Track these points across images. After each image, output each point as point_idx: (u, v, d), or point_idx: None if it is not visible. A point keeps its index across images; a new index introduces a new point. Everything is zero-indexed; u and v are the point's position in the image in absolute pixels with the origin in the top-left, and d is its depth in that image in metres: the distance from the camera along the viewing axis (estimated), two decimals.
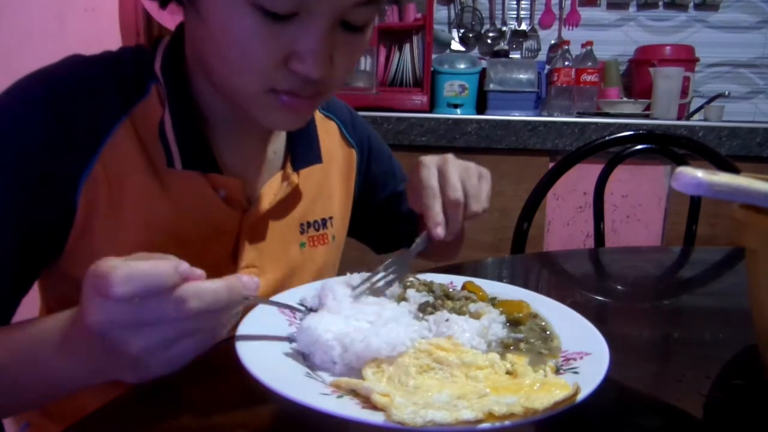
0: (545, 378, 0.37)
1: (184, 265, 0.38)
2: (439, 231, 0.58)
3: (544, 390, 0.34)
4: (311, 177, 0.72)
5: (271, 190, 0.67)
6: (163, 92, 0.59)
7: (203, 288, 0.38)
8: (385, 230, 0.92)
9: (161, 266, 0.37)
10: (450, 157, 0.63)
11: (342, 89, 1.86)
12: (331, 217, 0.76)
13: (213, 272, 0.60)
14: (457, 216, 0.60)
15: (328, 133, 0.78)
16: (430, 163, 0.61)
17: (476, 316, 0.48)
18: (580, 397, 0.34)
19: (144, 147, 0.58)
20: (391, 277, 0.55)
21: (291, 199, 0.70)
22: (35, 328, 0.47)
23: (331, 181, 0.77)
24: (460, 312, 0.49)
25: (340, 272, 0.66)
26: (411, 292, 0.52)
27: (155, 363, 0.39)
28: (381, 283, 0.54)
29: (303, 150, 0.70)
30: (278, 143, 0.70)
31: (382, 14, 0.56)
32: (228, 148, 0.64)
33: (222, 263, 0.64)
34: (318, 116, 0.77)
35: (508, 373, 0.39)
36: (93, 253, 0.54)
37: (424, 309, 0.49)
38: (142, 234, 0.58)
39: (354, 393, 0.36)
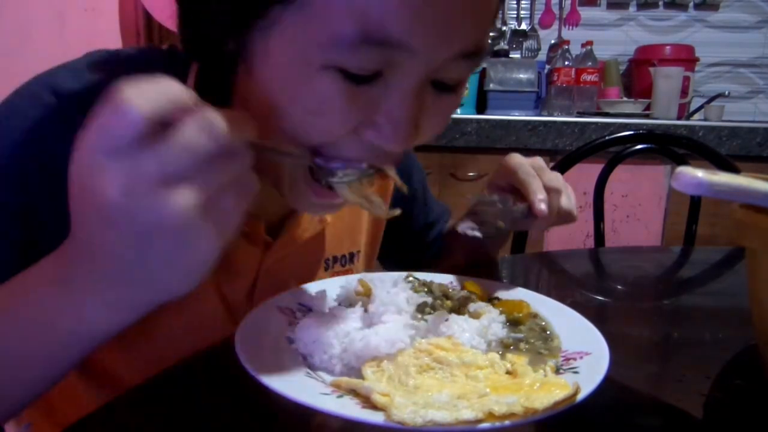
0: (545, 378, 0.37)
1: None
2: (543, 206, 0.56)
3: (544, 390, 0.34)
4: (342, 212, 0.61)
5: (299, 227, 0.61)
6: None
7: (216, 114, 0.31)
8: (403, 254, 0.88)
9: (170, 82, 0.30)
10: (541, 159, 0.64)
11: None
12: (358, 251, 0.72)
13: (228, 314, 0.59)
14: (555, 204, 0.59)
15: (384, 188, 0.73)
16: (519, 155, 0.63)
17: (476, 315, 0.48)
18: (580, 396, 0.34)
19: None
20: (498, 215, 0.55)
21: (320, 236, 0.65)
22: (12, 288, 0.39)
23: (362, 214, 0.72)
24: (459, 312, 0.49)
25: None
26: (410, 293, 0.52)
27: (205, 231, 0.31)
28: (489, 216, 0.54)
29: None
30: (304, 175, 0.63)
31: (477, 68, 0.50)
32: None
33: (238, 303, 0.59)
34: None
35: (507, 372, 0.39)
36: None
37: (422, 309, 0.48)
38: None
39: (354, 393, 0.36)
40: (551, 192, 0.60)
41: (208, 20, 0.44)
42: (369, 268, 0.77)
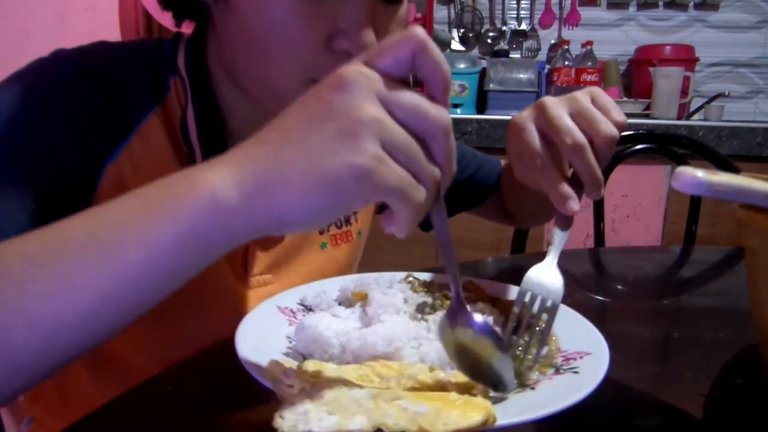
0: (472, 398, 0.34)
1: None
2: (571, 205, 0.48)
3: (461, 408, 0.31)
4: None
5: None
6: (182, 89, 0.57)
7: (452, 134, 0.36)
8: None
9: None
10: (545, 100, 0.52)
11: None
12: (354, 213, 0.71)
13: (223, 281, 0.60)
14: (588, 161, 0.48)
15: None
16: (525, 120, 0.51)
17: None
18: (581, 396, 0.34)
19: (168, 140, 0.56)
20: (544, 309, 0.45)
21: None
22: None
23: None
24: None
25: (358, 272, 0.65)
26: (409, 293, 0.52)
27: (377, 152, 0.31)
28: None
29: None
30: None
31: None
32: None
33: (234, 269, 0.61)
34: None
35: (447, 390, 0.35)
36: None
37: (422, 310, 0.48)
38: None
39: None
40: (574, 155, 0.49)
41: None
42: (366, 229, 0.76)
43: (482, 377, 0.36)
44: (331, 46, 0.48)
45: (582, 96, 0.53)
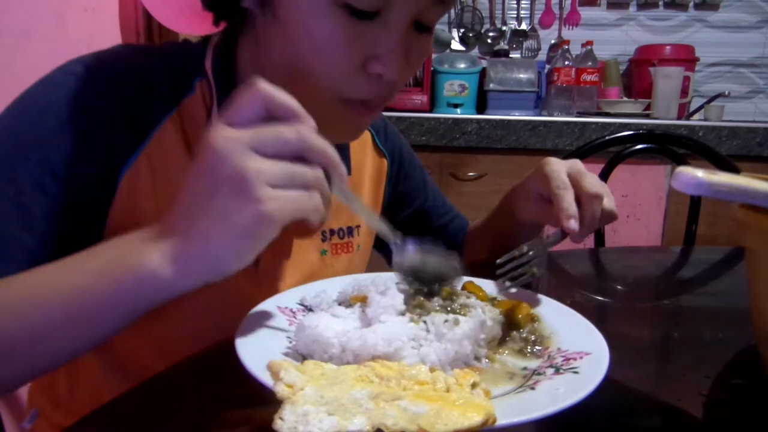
0: (473, 397, 0.34)
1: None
2: (573, 224, 0.57)
3: (461, 408, 0.32)
4: None
5: None
6: (208, 91, 0.59)
7: (317, 136, 0.41)
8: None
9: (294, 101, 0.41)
10: (579, 162, 0.64)
11: None
12: (357, 226, 0.74)
13: (237, 275, 0.61)
14: (595, 210, 0.59)
15: (361, 142, 0.76)
16: (556, 161, 0.63)
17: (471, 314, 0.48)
18: (581, 396, 0.34)
19: (189, 144, 0.58)
20: (532, 263, 0.56)
21: None
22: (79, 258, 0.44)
23: (359, 191, 0.75)
24: (453, 311, 0.48)
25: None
26: (408, 293, 0.52)
27: (268, 194, 0.38)
28: (522, 268, 0.56)
29: None
30: None
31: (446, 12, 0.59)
32: None
33: (245, 266, 0.62)
34: None
35: (447, 391, 0.36)
36: None
37: (419, 303, 0.48)
38: None
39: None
40: (590, 199, 0.59)
41: None
42: (370, 244, 0.79)
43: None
44: (365, 68, 0.52)
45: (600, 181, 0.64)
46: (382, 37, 0.51)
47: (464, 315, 0.47)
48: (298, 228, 0.41)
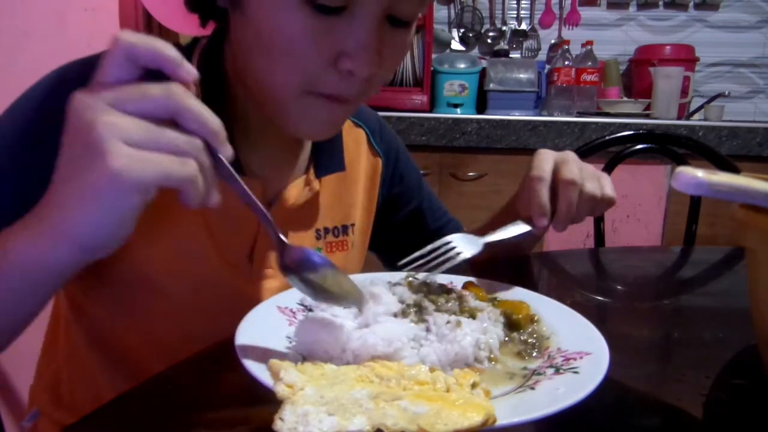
0: (473, 397, 0.34)
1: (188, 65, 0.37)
2: (541, 221, 0.59)
3: (461, 408, 0.32)
4: (333, 184, 0.71)
5: (291, 195, 0.66)
6: (195, 91, 0.58)
7: (193, 98, 0.37)
8: (403, 246, 0.88)
9: (167, 44, 0.37)
10: (570, 153, 0.65)
11: None
12: (352, 224, 0.74)
13: (232, 272, 0.62)
14: (570, 197, 0.60)
15: (356, 140, 0.77)
16: (545, 152, 0.64)
17: (474, 315, 0.48)
18: (581, 396, 0.34)
19: None
20: (453, 253, 0.54)
21: (311, 205, 0.69)
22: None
23: (354, 189, 0.75)
24: (459, 312, 0.48)
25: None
26: (408, 294, 0.51)
27: (121, 150, 0.34)
28: (440, 259, 0.54)
29: (326, 157, 0.69)
30: (303, 150, 0.69)
31: (425, 8, 0.56)
32: (253, 152, 0.63)
33: (240, 263, 0.63)
34: (347, 123, 0.75)
35: (447, 391, 0.36)
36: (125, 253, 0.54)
37: (419, 310, 0.48)
38: (174, 226, 0.58)
39: None
40: (565, 186, 0.60)
41: None
42: (365, 242, 0.79)
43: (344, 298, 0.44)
44: (336, 64, 0.50)
45: (592, 169, 0.66)
46: (351, 32, 0.49)
47: (471, 317, 0.47)
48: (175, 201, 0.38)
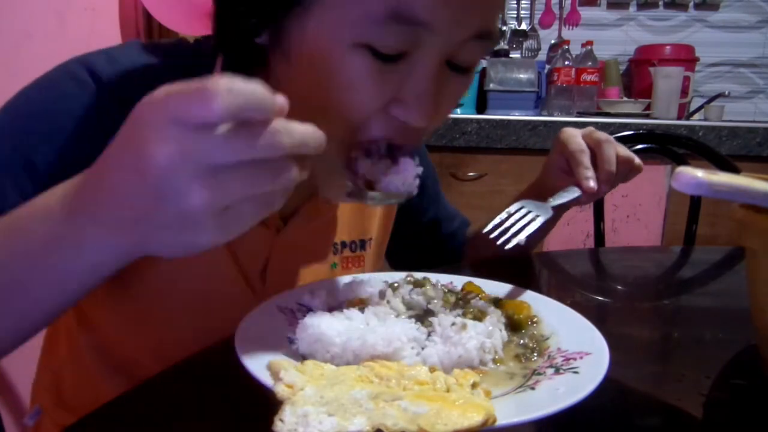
0: (473, 397, 0.34)
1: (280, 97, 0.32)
2: (590, 183, 0.61)
3: (461, 409, 0.32)
4: None
5: (309, 212, 0.64)
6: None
7: (291, 124, 0.32)
8: (415, 253, 0.88)
9: (262, 88, 0.31)
10: (591, 127, 0.69)
11: None
12: (370, 239, 0.72)
13: (242, 290, 0.61)
14: (609, 155, 0.64)
15: None
16: (570, 129, 0.69)
17: (479, 316, 0.48)
18: (581, 396, 0.34)
19: None
20: (531, 217, 0.56)
21: (330, 219, 0.67)
22: (20, 212, 0.39)
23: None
24: (462, 313, 0.48)
25: None
26: (408, 294, 0.51)
27: (210, 229, 0.32)
28: (520, 224, 0.56)
29: None
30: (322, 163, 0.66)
31: (489, 52, 0.53)
32: None
33: (252, 281, 0.62)
34: None
35: (447, 391, 0.36)
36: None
37: (423, 315, 0.48)
38: None
39: None
40: (601, 144, 0.64)
41: (245, 13, 0.48)
42: (380, 256, 0.77)
43: None
44: (387, 110, 0.47)
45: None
46: (409, 80, 0.46)
47: (475, 319, 0.47)
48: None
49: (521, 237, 0.55)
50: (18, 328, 0.42)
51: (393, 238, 0.79)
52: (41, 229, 0.38)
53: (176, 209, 0.32)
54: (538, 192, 0.75)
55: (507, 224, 0.57)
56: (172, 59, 0.56)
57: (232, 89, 0.30)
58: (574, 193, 0.64)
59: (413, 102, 0.46)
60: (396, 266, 0.89)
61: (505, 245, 0.55)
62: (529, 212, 0.57)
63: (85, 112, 0.50)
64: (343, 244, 0.69)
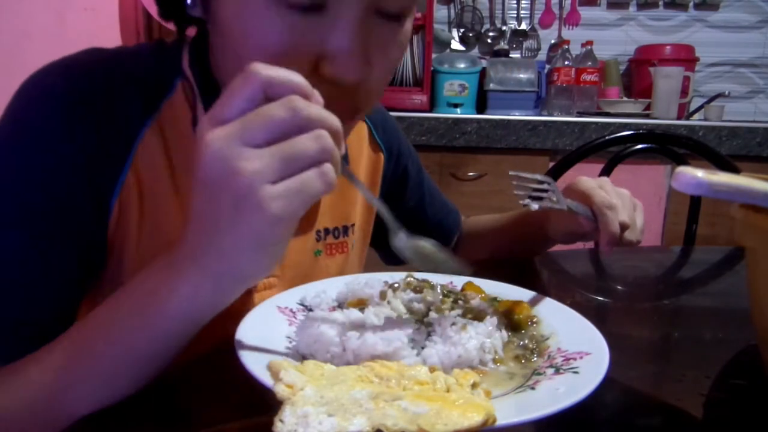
0: (473, 397, 0.34)
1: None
2: (609, 249, 0.63)
3: (461, 409, 0.32)
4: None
5: None
6: (189, 90, 0.55)
7: (313, 105, 0.36)
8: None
9: (299, 75, 0.37)
10: (607, 179, 0.69)
11: None
12: (352, 225, 0.72)
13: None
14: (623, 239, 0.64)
15: (357, 134, 0.73)
16: (587, 179, 0.67)
17: (478, 317, 0.48)
18: (581, 396, 0.34)
19: (168, 147, 0.54)
20: (549, 196, 0.58)
21: (311, 208, 0.64)
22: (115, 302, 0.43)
23: (354, 187, 0.74)
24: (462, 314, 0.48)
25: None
26: (409, 294, 0.51)
27: (272, 193, 0.34)
28: (541, 194, 0.58)
29: None
30: None
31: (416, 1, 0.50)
32: None
33: None
34: None
35: (447, 391, 0.36)
36: (120, 258, 0.53)
37: (422, 313, 0.48)
38: (168, 240, 0.55)
39: None
40: (623, 228, 0.65)
41: None
42: (365, 243, 0.77)
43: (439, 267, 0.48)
44: (318, 71, 0.45)
45: (629, 200, 0.72)
46: (331, 32, 0.43)
47: (475, 319, 0.47)
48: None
49: (534, 206, 0.58)
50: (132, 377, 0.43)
51: (378, 226, 0.78)
52: (142, 293, 0.42)
53: (230, 187, 0.35)
54: (541, 221, 0.76)
55: (532, 185, 0.60)
56: (133, 64, 0.54)
57: (269, 68, 0.36)
58: (587, 211, 0.65)
59: (340, 56, 0.44)
60: (384, 256, 0.88)
61: (520, 200, 0.59)
62: (552, 192, 0.59)
63: (66, 133, 0.49)
64: (326, 231, 0.68)
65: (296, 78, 0.36)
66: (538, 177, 0.60)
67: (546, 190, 0.59)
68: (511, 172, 0.60)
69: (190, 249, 0.39)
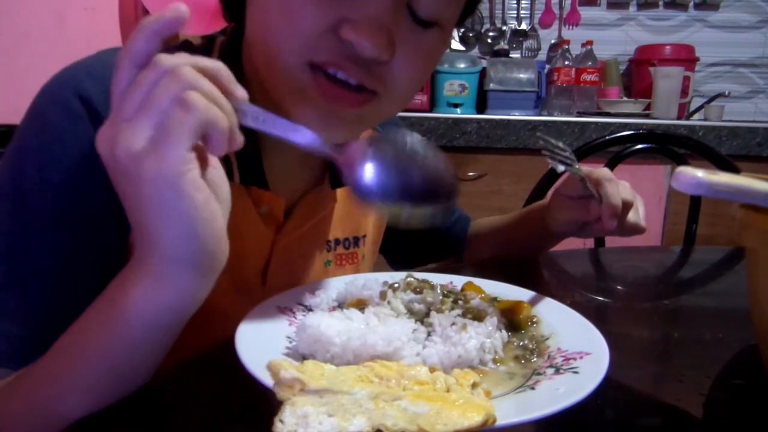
0: (473, 397, 0.34)
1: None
2: (612, 223, 0.66)
3: (461, 409, 0.32)
4: (347, 193, 0.67)
5: (307, 210, 0.63)
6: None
7: (185, 67, 0.35)
8: (412, 247, 0.87)
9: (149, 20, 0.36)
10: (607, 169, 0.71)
11: None
12: (364, 236, 0.71)
13: (244, 293, 0.59)
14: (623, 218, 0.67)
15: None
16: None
17: (478, 317, 0.48)
18: (581, 396, 0.34)
19: None
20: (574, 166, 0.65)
21: (324, 218, 0.66)
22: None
23: None
24: (462, 314, 0.48)
25: None
26: (409, 294, 0.52)
27: (142, 153, 0.33)
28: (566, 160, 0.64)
29: None
30: (318, 158, 0.64)
31: (450, 9, 0.50)
32: (272, 163, 0.59)
33: (252, 282, 0.61)
34: None
35: (447, 391, 0.36)
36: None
37: (422, 313, 0.48)
38: None
39: None
40: (625, 206, 0.67)
41: None
42: (375, 253, 0.77)
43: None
44: (337, 32, 0.46)
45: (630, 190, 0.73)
46: (361, 4, 0.45)
47: (475, 319, 0.47)
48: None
49: (560, 167, 0.65)
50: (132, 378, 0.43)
51: (388, 235, 0.78)
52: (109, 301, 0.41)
53: (125, 168, 0.34)
54: (541, 215, 0.77)
55: (557, 151, 0.66)
56: None
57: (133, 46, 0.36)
58: (594, 189, 0.68)
59: (364, 24, 0.44)
60: (392, 262, 0.89)
61: (551, 166, 0.65)
62: (571, 161, 0.66)
63: (79, 145, 0.49)
64: (337, 242, 0.68)
65: (144, 31, 0.36)
66: (561, 144, 0.67)
67: (568, 158, 0.65)
68: (538, 134, 0.67)
69: (138, 252, 0.39)
